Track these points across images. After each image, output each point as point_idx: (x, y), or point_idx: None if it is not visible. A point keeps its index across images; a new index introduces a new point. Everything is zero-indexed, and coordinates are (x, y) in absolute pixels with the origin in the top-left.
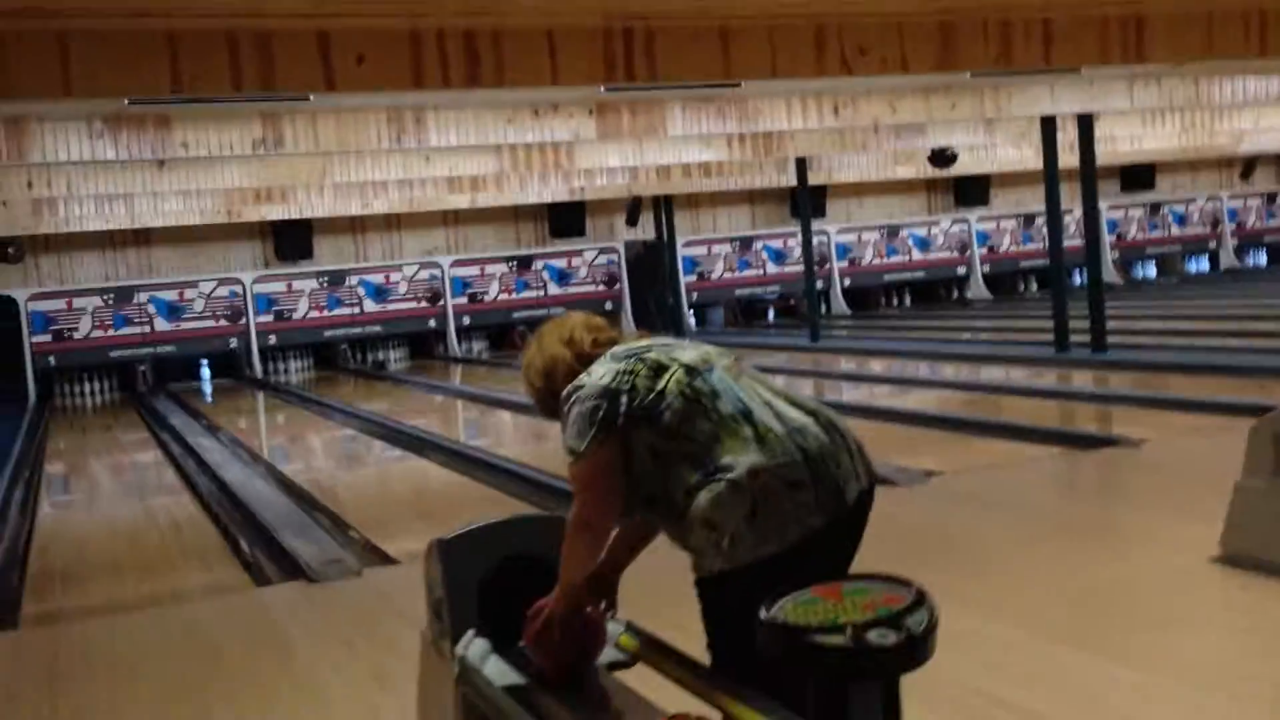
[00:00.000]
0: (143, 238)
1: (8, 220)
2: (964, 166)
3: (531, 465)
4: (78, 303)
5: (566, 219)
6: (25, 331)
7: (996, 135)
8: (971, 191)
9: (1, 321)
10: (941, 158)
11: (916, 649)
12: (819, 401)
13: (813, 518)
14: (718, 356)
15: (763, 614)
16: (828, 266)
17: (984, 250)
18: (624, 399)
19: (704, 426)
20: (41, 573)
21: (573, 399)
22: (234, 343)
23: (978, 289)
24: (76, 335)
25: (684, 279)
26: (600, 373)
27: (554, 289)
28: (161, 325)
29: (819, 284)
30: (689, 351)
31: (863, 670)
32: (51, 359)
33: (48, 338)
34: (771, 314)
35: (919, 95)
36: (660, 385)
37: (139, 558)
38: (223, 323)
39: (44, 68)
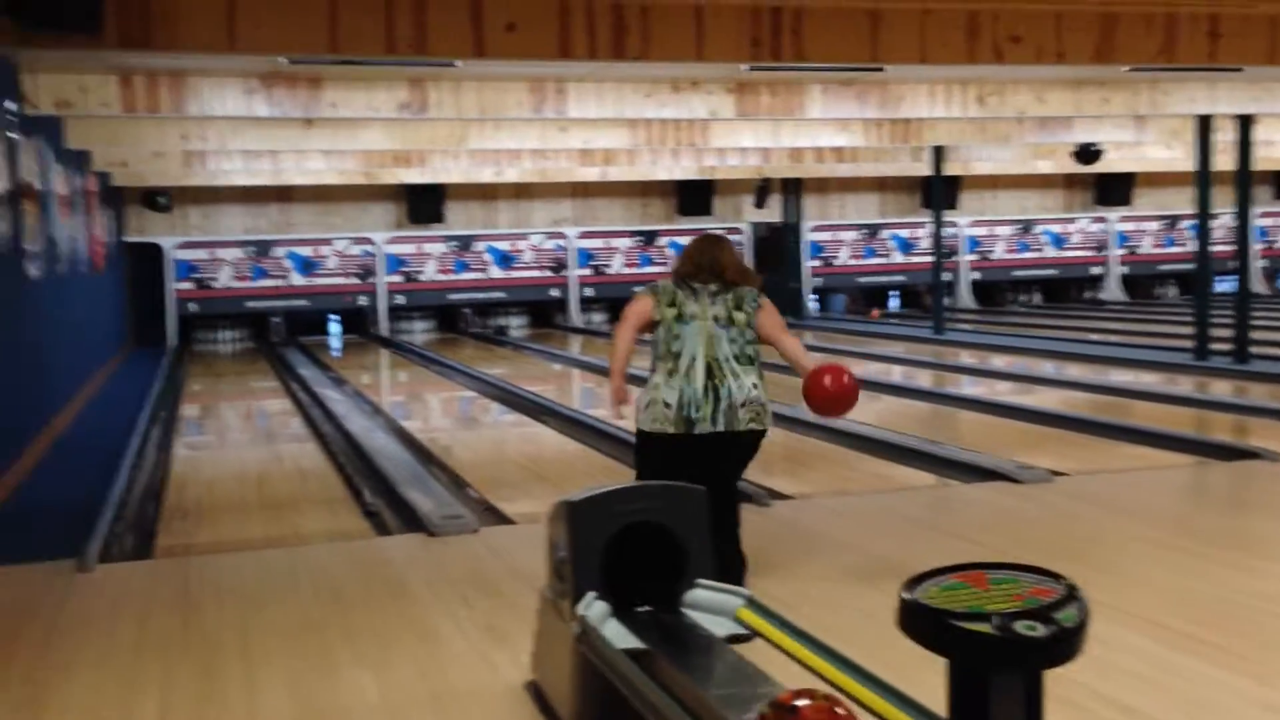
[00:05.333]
0: (284, 194)
1: (160, 171)
2: (1108, 164)
3: None
4: (219, 253)
5: (694, 197)
6: (169, 278)
7: (1147, 132)
8: (1114, 190)
9: (146, 266)
10: (1087, 153)
11: (1066, 644)
12: (740, 371)
13: (669, 427)
14: (705, 319)
15: (904, 594)
16: (956, 259)
17: (1123, 251)
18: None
19: (666, 346)
20: (175, 509)
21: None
22: (363, 300)
23: (1113, 290)
24: (216, 284)
25: (808, 263)
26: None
27: None
28: (296, 279)
29: (946, 276)
30: (690, 307)
31: (1009, 661)
32: (191, 305)
33: (189, 285)
34: (896, 303)
35: (1069, 87)
36: (664, 313)
37: (266, 500)
38: (354, 280)
39: (210, 23)
